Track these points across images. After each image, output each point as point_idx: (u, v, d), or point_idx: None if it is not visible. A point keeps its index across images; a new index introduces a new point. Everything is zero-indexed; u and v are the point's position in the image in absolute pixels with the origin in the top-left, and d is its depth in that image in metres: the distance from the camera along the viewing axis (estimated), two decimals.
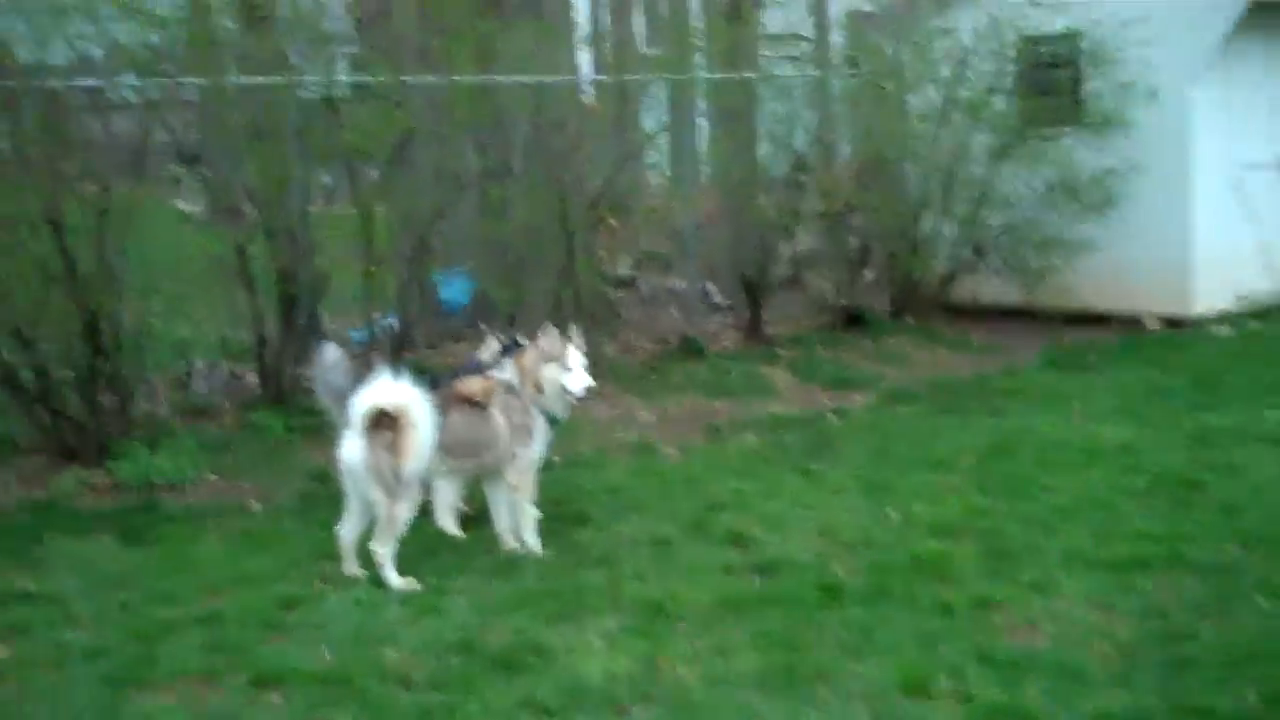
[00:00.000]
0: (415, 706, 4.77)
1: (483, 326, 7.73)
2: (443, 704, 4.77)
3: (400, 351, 9.81)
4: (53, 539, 6.92)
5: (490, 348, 6.85)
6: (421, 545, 6.58)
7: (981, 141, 11.90)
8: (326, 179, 10.31)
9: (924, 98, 11.92)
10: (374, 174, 9.74)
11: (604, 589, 5.90)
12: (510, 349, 6.73)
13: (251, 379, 9.66)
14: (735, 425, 9.18)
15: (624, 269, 13.42)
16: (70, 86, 8.59)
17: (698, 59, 11.67)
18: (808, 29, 14.71)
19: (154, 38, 8.80)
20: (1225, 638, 5.14)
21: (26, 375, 8.15)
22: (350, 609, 5.77)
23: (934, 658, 5.06)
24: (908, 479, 7.58)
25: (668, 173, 13.36)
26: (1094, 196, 11.79)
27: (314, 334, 9.77)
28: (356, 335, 10.77)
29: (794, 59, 12.72)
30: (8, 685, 5.18)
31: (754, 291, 11.52)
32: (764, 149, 11.98)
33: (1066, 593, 5.72)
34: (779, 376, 10.54)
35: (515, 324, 11.17)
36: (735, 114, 11.92)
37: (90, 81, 8.79)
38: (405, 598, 5.88)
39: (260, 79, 9.12)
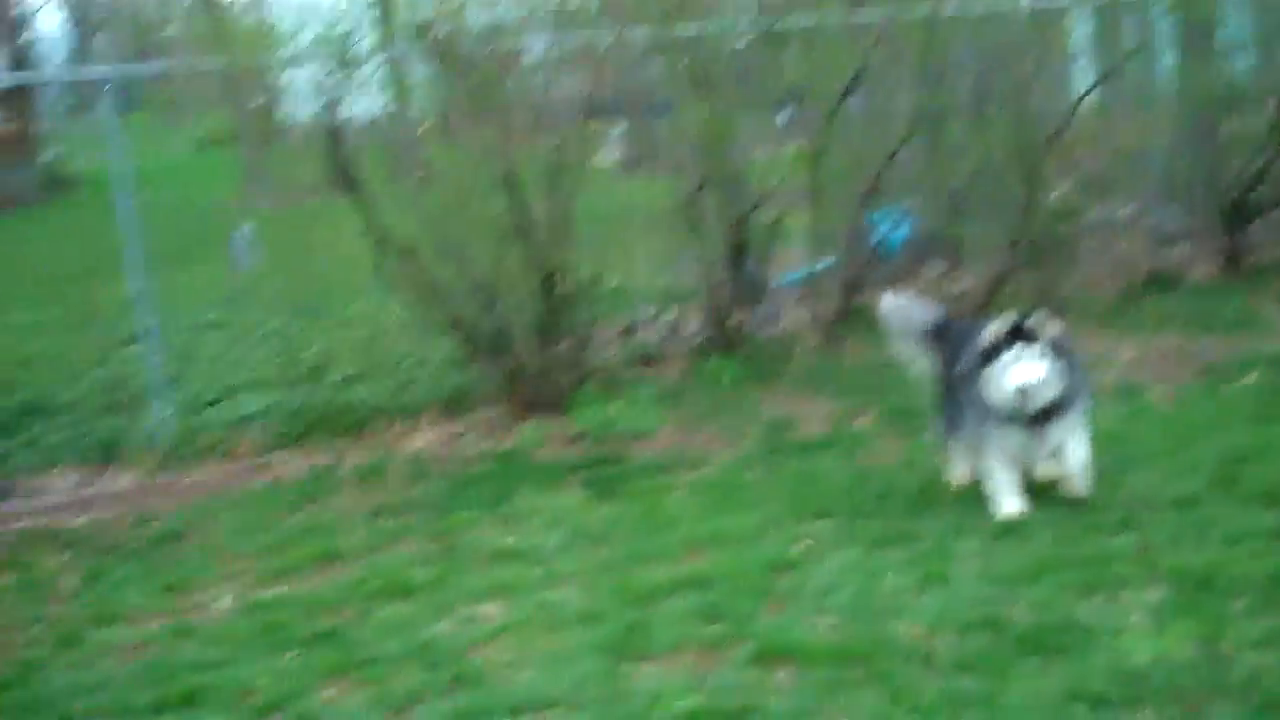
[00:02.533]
0: (945, 692, 4.22)
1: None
2: (978, 690, 4.20)
3: (849, 294, 9.32)
4: (522, 492, 6.81)
5: (1000, 326, 5.85)
6: (904, 506, 6.07)
7: None
8: (768, 121, 10.00)
9: None
10: (817, 115, 9.26)
11: (1134, 557, 5.17)
12: (1022, 329, 5.82)
13: (695, 326, 9.40)
14: (1232, 364, 8.16)
15: (1070, 199, 12.43)
16: (521, 46, 8.53)
17: None
18: None
19: None
20: None
21: (485, 330, 8.13)
22: (846, 574, 5.30)
23: None
24: None
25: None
26: None
27: (759, 279, 9.48)
28: (792, 277, 10.39)
29: None
30: (503, 645, 4.99)
31: (1233, 217, 10.31)
32: (1230, 62, 10.74)
33: None
34: (1273, 310, 9.37)
35: (960, 264, 10.57)
36: (1202, 28, 10.74)
37: (541, 38, 8.72)
38: (903, 563, 5.35)
39: (702, 28, 8.82)
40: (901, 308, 6.63)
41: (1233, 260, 10.43)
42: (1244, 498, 5.74)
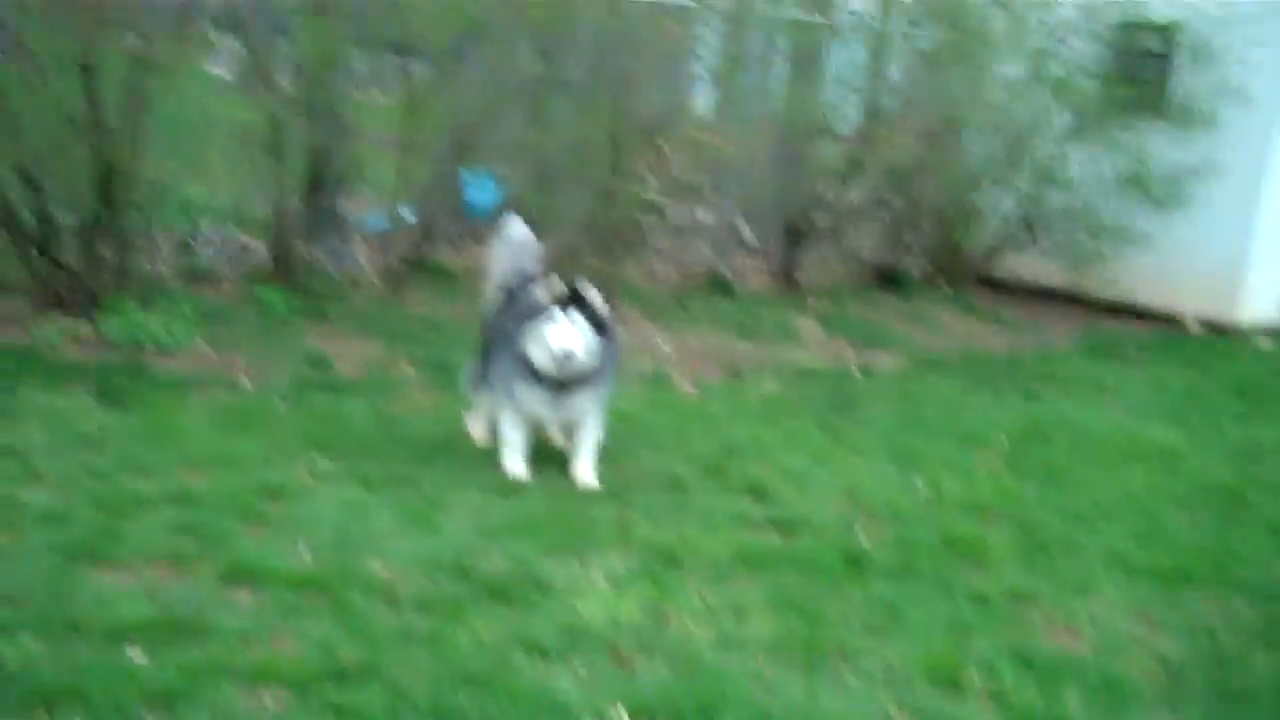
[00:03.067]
0: (399, 628, 4.32)
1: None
2: (429, 629, 4.33)
3: (422, 245, 9.37)
4: (24, 389, 6.47)
5: (553, 289, 5.98)
6: (418, 454, 6.16)
7: (1057, 120, 11.42)
8: (375, 64, 9.91)
9: (1006, 67, 11.38)
10: (425, 66, 9.27)
11: (613, 526, 5.45)
12: (574, 296, 5.93)
13: (260, 251, 9.20)
14: (757, 369, 8.70)
15: (653, 195, 12.91)
16: None
17: None
18: None
19: None
20: None
21: (26, 216, 7.69)
22: (337, 509, 5.33)
23: (966, 649, 4.62)
24: (937, 450, 7.14)
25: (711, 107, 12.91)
26: (1164, 192, 11.28)
27: (334, 216, 9.39)
28: (372, 220, 10.34)
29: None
30: None
31: (794, 237, 11.04)
32: (830, 96, 11.50)
33: (1108, 597, 5.28)
34: (807, 326, 10.06)
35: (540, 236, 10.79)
36: (806, 57, 11.42)
37: None
38: (398, 505, 5.43)
39: None
40: (522, 240, 6.64)
41: (786, 277, 11.12)
42: (726, 486, 6.16)
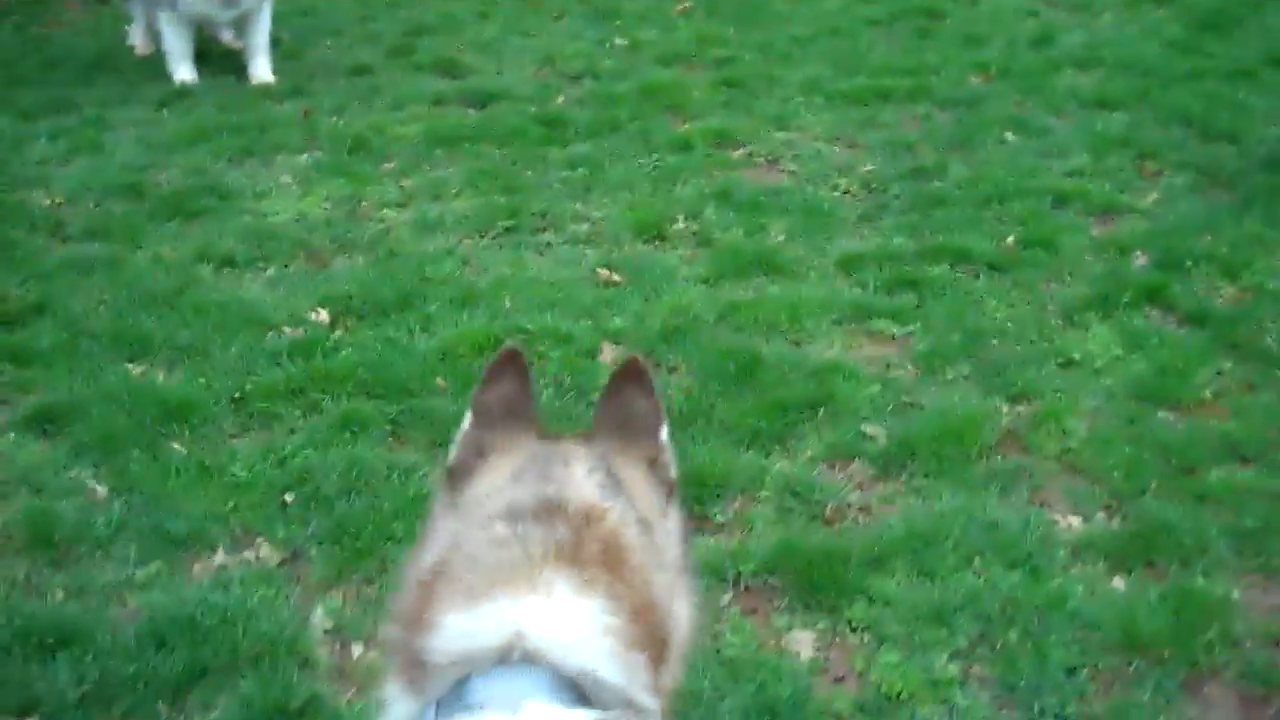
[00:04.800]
0: (70, 260, 4.01)
1: None
2: (104, 256, 4.02)
3: None
4: None
5: None
6: (75, 75, 5.63)
7: None
8: None
9: None
10: None
11: (296, 123, 5.13)
12: None
13: None
14: None
15: None
16: None
17: None
18: None
19: None
20: (974, 172, 4.77)
21: None
22: None
23: (669, 198, 4.56)
24: (635, 4, 6.91)
25: None
26: None
27: None
28: None
29: None
30: None
31: None
32: None
33: (808, 127, 5.26)
34: None
35: None
36: None
37: None
38: (58, 132, 4.98)
39: None
40: None
41: None
42: (415, 67, 5.85)
